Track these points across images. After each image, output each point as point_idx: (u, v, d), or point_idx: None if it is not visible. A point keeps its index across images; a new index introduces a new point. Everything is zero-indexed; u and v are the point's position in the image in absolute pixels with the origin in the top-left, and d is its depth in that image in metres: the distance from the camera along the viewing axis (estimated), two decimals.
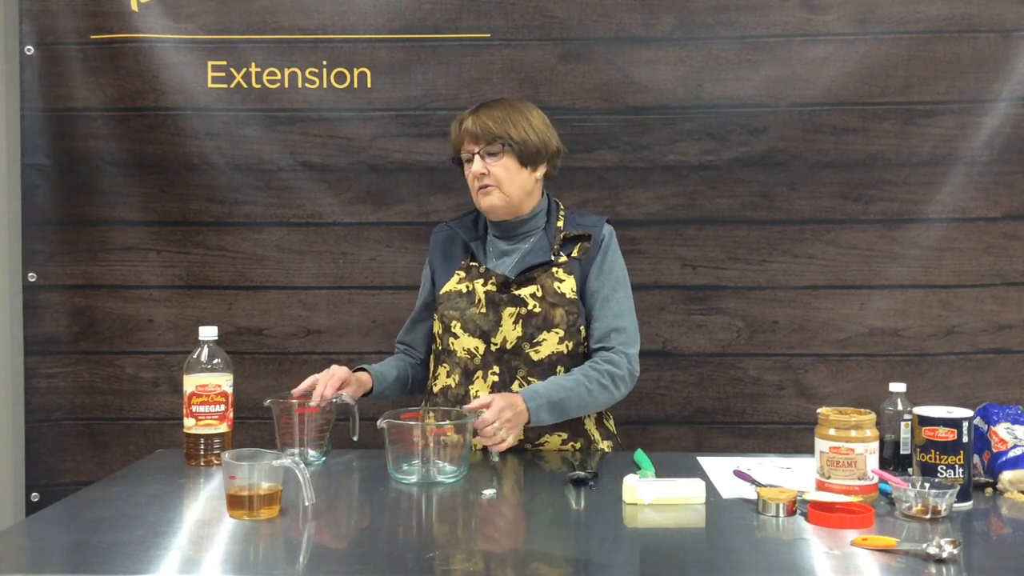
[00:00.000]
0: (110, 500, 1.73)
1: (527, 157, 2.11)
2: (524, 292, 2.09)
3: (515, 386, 2.07)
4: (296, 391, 2.00)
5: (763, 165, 2.64)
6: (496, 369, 2.08)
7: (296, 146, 2.68)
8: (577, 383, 2.04)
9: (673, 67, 2.63)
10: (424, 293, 2.26)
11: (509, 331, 2.08)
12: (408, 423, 1.86)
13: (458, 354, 2.11)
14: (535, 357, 2.08)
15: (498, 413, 1.92)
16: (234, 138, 2.67)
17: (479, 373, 2.10)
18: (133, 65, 2.65)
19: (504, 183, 2.09)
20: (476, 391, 2.09)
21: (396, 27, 2.65)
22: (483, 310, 2.09)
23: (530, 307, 2.08)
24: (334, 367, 2.04)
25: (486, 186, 2.10)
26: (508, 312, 2.08)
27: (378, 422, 1.83)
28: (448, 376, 2.13)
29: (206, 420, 1.98)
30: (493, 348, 2.09)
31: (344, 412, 2.04)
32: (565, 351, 2.09)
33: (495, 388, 2.08)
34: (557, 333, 2.08)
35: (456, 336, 2.11)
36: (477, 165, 2.09)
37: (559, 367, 2.09)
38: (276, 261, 2.70)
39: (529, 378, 2.07)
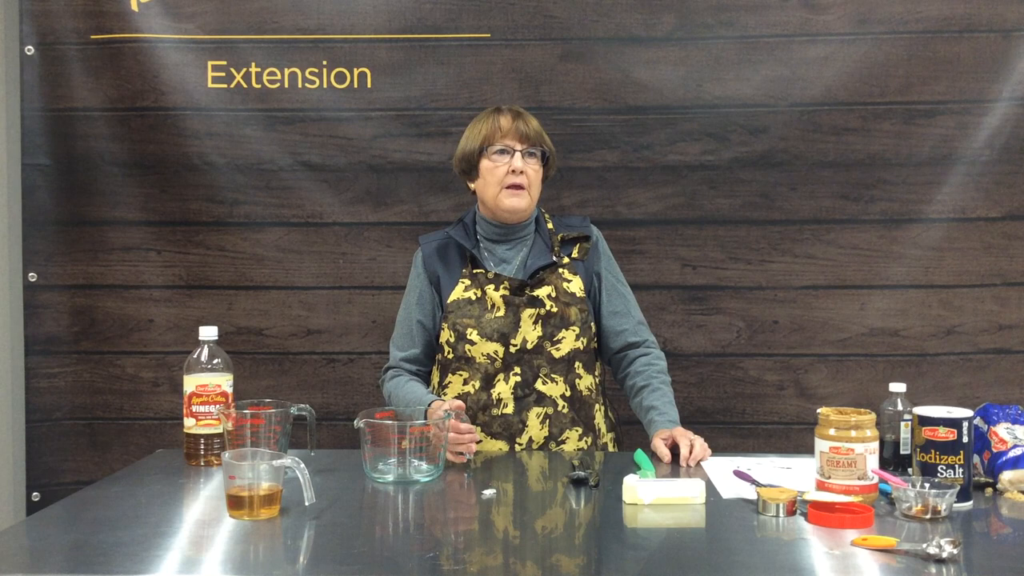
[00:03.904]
0: (110, 500, 1.73)
1: (549, 167, 2.23)
2: (540, 293, 2.14)
3: (538, 384, 2.11)
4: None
5: (763, 165, 2.64)
6: (517, 369, 2.12)
7: (296, 146, 2.68)
8: (670, 393, 2.19)
9: (673, 67, 2.63)
10: (427, 306, 2.22)
11: (529, 331, 2.12)
12: (385, 422, 1.86)
13: (478, 360, 2.13)
14: (556, 355, 2.13)
15: (692, 439, 2.01)
16: (234, 138, 2.67)
17: (500, 376, 2.12)
18: (133, 65, 2.65)
19: (533, 187, 2.17)
20: (498, 393, 2.12)
21: (396, 27, 2.65)
22: (501, 313, 2.11)
23: (548, 307, 2.13)
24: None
25: (519, 186, 2.14)
26: (528, 313, 2.12)
27: (355, 422, 1.84)
28: (465, 383, 2.14)
29: (206, 420, 1.98)
30: (512, 349, 2.12)
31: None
32: (581, 347, 2.15)
33: (517, 387, 2.11)
34: (574, 331, 2.14)
35: (473, 343, 2.12)
36: (518, 161, 2.13)
37: (576, 362, 2.15)
38: (276, 261, 2.71)
39: (552, 375, 2.12)
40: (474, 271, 2.18)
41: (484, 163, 2.16)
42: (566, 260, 2.19)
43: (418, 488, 1.81)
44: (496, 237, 2.22)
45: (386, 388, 2.21)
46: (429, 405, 2.01)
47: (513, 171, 2.13)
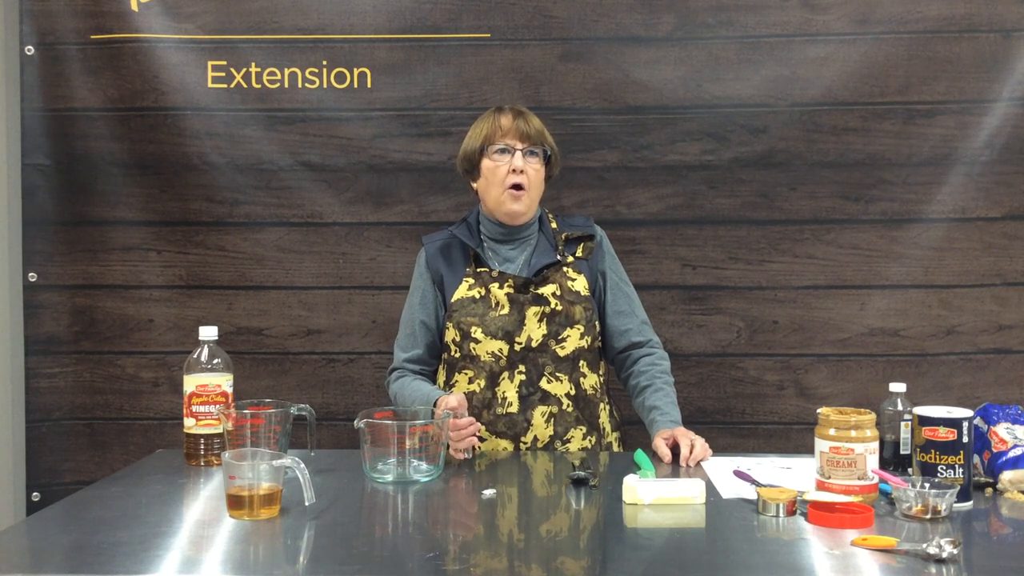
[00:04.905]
0: (110, 500, 1.73)
1: (551, 168, 2.22)
2: (545, 291, 2.14)
3: (543, 382, 2.11)
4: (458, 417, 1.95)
5: (763, 165, 2.64)
6: (522, 368, 2.12)
7: (296, 146, 2.68)
8: (673, 393, 2.19)
9: (673, 67, 2.63)
10: (430, 306, 2.21)
11: (534, 330, 2.12)
12: (385, 422, 1.86)
13: (482, 359, 2.13)
14: (561, 353, 2.13)
15: (693, 439, 2.02)
16: (234, 138, 2.67)
17: (505, 374, 2.12)
18: (133, 65, 2.65)
19: (533, 188, 2.16)
20: (503, 392, 2.11)
21: (396, 27, 2.65)
22: (505, 311, 2.11)
23: (553, 305, 2.12)
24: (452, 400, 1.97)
25: (519, 187, 2.13)
26: (532, 311, 2.12)
27: (355, 422, 1.84)
28: (471, 382, 2.14)
29: (206, 420, 1.98)
30: (517, 347, 2.12)
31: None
32: (585, 346, 2.15)
33: (522, 386, 2.11)
34: (579, 329, 2.14)
35: (478, 341, 2.12)
36: (519, 160, 2.13)
37: (581, 361, 2.15)
38: (276, 261, 2.71)
39: (557, 374, 2.11)
40: (478, 270, 2.18)
41: (485, 162, 2.16)
42: (570, 259, 2.19)
43: (418, 488, 1.81)
44: (500, 236, 2.22)
45: (392, 390, 2.21)
46: (435, 402, 2.01)
47: (514, 170, 2.13)
